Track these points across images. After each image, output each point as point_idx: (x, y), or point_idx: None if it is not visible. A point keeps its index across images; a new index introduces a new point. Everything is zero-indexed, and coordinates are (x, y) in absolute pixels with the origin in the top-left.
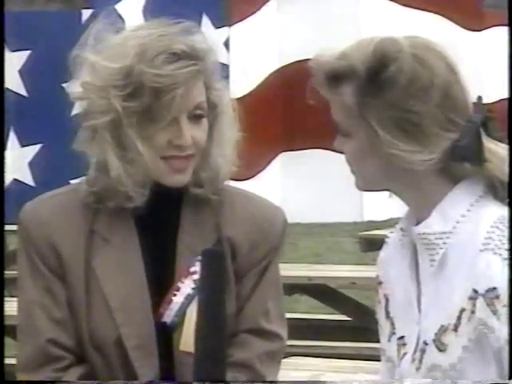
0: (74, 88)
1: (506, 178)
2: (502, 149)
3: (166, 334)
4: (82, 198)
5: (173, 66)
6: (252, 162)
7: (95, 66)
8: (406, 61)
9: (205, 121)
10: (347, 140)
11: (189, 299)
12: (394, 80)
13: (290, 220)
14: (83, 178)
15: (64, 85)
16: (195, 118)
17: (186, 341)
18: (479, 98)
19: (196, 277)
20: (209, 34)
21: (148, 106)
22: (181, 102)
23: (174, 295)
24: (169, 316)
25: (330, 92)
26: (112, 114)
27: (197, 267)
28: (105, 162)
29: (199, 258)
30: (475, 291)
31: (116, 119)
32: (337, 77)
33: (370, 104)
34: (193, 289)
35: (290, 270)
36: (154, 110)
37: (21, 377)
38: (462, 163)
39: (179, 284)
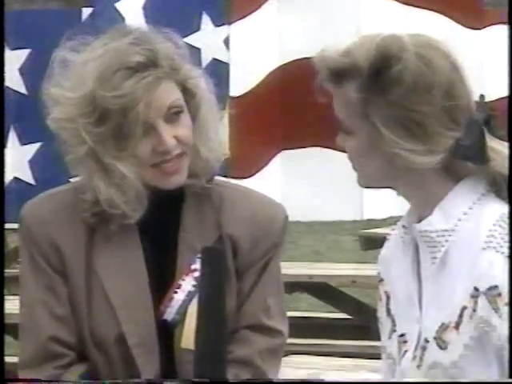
0: (50, 122)
1: (507, 177)
2: (504, 147)
3: (167, 332)
4: (86, 218)
5: (130, 82)
6: (252, 161)
7: (59, 100)
8: (409, 60)
9: (185, 115)
10: (349, 137)
11: (190, 297)
12: (398, 79)
13: (290, 218)
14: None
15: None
16: (173, 118)
17: (187, 338)
18: (481, 96)
19: (197, 274)
20: (209, 32)
21: (117, 126)
22: (148, 112)
23: (175, 293)
24: (170, 313)
25: (333, 88)
26: (87, 144)
27: (198, 264)
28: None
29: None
30: (477, 289)
31: (92, 148)
32: (340, 74)
33: (373, 102)
34: (194, 286)
35: (290, 269)
36: (124, 128)
37: (22, 374)
38: (465, 162)
39: (180, 281)
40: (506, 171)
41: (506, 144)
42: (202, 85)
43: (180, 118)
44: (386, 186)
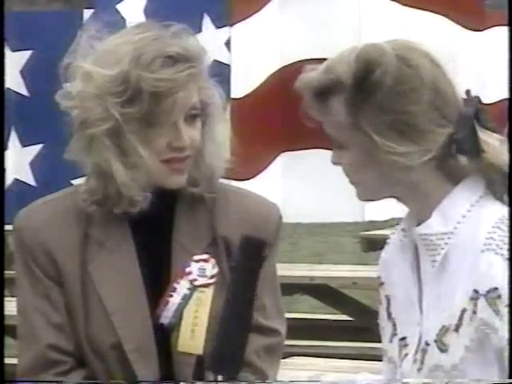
0: (65, 97)
1: (502, 168)
2: (495, 139)
3: (163, 335)
4: (81, 206)
5: (172, 70)
6: (253, 163)
7: (90, 74)
8: (390, 62)
9: (198, 121)
10: (344, 152)
11: (185, 299)
12: (381, 83)
13: (290, 220)
14: (79, 186)
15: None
16: (191, 119)
17: (184, 341)
18: (468, 91)
19: (191, 277)
20: (210, 33)
21: (148, 110)
22: (180, 105)
23: (171, 296)
24: (166, 317)
25: (320, 108)
26: (111, 121)
27: (192, 267)
28: (107, 169)
29: (195, 258)
30: (476, 291)
31: (116, 126)
32: (324, 91)
33: (362, 111)
34: (189, 289)
35: (291, 270)
36: (155, 114)
37: None
38: (460, 158)
39: (175, 285)
40: (499, 163)
41: (497, 136)
42: (217, 99)
43: (195, 122)
44: (385, 197)
